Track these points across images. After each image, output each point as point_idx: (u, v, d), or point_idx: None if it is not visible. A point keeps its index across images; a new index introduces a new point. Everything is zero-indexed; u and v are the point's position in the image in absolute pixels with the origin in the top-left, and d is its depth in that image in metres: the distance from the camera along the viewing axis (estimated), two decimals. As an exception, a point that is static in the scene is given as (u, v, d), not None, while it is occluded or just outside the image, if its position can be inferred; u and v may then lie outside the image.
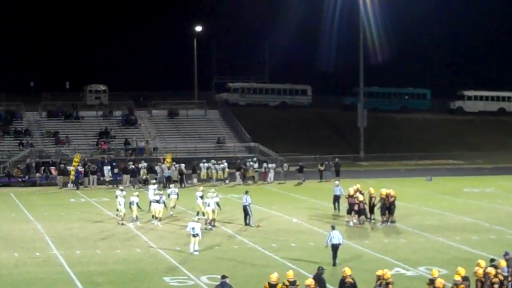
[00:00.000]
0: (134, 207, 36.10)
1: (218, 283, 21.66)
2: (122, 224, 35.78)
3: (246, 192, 36.56)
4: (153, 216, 36.29)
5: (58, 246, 31.34)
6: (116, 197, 36.48)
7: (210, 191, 36.53)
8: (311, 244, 31.81)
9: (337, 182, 40.92)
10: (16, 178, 53.87)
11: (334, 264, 27.01)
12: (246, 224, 35.66)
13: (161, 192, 37.93)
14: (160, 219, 35.90)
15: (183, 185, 50.81)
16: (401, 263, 27.73)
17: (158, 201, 36.04)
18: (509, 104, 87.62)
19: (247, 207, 35.72)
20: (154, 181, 45.07)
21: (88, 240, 32.56)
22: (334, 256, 27.35)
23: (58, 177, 51.91)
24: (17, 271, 27.23)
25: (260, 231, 34.71)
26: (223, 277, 21.30)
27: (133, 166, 52.52)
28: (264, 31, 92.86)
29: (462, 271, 21.15)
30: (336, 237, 27.33)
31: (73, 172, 50.95)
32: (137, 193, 37.30)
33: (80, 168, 52.53)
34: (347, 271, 21.33)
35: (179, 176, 52.16)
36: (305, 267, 26.77)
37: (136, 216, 36.20)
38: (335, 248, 27.37)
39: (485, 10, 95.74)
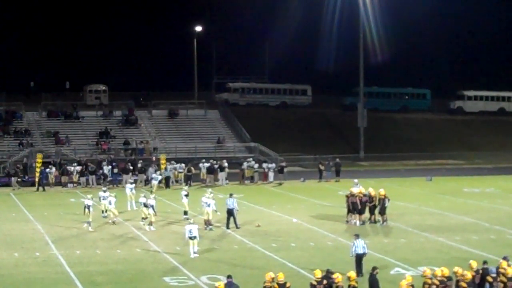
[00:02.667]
0: (90, 210, 34.85)
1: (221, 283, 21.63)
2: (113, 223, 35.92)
3: (231, 195, 35.65)
4: (142, 219, 35.79)
5: (58, 246, 31.35)
6: (99, 198, 37.47)
7: (208, 191, 36.48)
8: (311, 244, 31.83)
9: (356, 180, 40.85)
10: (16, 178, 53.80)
11: (361, 274, 25.08)
12: (228, 227, 34.65)
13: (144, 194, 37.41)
14: (150, 223, 35.00)
15: (189, 185, 50.76)
16: (401, 263, 27.74)
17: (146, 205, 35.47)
18: (509, 104, 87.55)
19: (233, 210, 34.99)
20: (131, 180, 45.07)
21: (88, 240, 32.56)
22: (359, 266, 25.78)
23: (12, 179, 51.83)
24: (17, 271, 27.25)
25: (260, 231, 34.72)
26: (229, 277, 21.26)
27: (105, 167, 52.80)
28: (264, 31, 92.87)
29: (446, 271, 21.28)
30: (360, 246, 26.00)
31: (37, 174, 50.89)
32: (90, 195, 36.16)
33: (79, 168, 52.58)
34: (352, 275, 21.18)
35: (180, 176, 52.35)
36: (305, 267, 26.78)
37: (89, 221, 34.98)
38: (359, 258, 25.95)
39: (485, 10, 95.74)
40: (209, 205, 34.65)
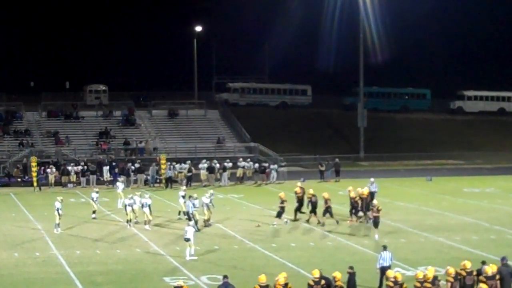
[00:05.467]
0: (59, 213, 34.33)
1: (218, 283, 21.65)
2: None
3: (190, 197, 35.10)
4: (127, 221, 35.48)
5: (58, 246, 31.35)
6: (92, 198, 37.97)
7: (209, 192, 36.54)
8: (311, 244, 31.84)
9: (372, 179, 41.21)
10: (16, 178, 53.92)
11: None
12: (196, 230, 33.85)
13: (137, 194, 37.14)
14: (148, 222, 35.10)
15: (189, 185, 50.92)
16: (401, 263, 27.69)
17: (131, 206, 35.28)
18: (509, 104, 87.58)
19: (190, 214, 34.37)
20: (121, 179, 45.37)
21: (88, 240, 32.57)
22: (382, 278, 24.47)
23: None
24: (17, 271, 27.24)
25: (260, 231, 34.73)
26: (225, 277, 21.27)
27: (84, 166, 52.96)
28: (264, 31, 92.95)
29: (431, 271, 21.38)
30: (387, 258, 24.58)
31: (34, 174, 50.93)
32: (60, 198, 35.39)
33: (77, 168, 52.62)
34: (338, 275, 21.17)
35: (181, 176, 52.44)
36: (305, 267, 26.77)
37: (56, 224, 34.48)
38: (383, 270, 24.03)
39: (485, 10, 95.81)
40: (205, 205, 34.92)
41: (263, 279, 20.58)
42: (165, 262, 28.53)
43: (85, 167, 52.93)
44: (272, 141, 67.50)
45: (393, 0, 74.91)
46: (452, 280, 21.40)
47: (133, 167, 52.51)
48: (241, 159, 55.99)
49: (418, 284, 20.75)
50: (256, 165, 55.48)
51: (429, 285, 20.75)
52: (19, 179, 53.63)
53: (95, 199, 38.04)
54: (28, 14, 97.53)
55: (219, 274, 25.62)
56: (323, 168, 55.74)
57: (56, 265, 28.06)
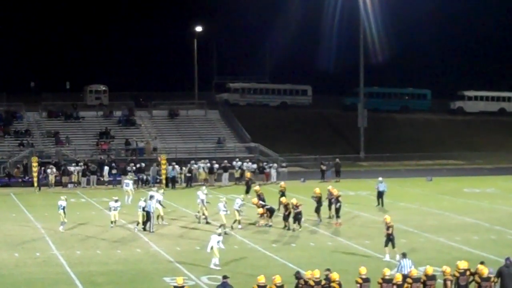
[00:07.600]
0: (64, 211, 34.32)
1: (219, 283, 21.65)
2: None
3: (151, 198, 34.87)
4: (137, 223, 34.93)
5: (58, 246, 31.34)
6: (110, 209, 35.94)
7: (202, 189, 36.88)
8: (311, 244, 31.83)
9: (380, 178, 41.57)
10: (16, 178, 53.93)
11: None
12: (144, 229, 33.97)
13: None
14: (162, 217, 35.65)
15: (189, 185, 50.97)
16: (401, 263, 27.66)
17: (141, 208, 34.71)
18: (509, 104, 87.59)
19: (150, 213, 34.13)
20: (130, 177, 45.51)
21: (89, 240, 32.57)
22: None
23: None
24: (17, 271, 27.24)
25: (260, 231, 34.72)
26: (224, 277, 21.31)
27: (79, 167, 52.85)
28: (264, 31, 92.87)
29: (430, 269, 21.37)
30: (407, 266, 23.46)
31: (35, 174, 50.90)
32: (64, 196, 35.38)
33: (78, 168, 52.63)
34: (335, 275, 21.17)
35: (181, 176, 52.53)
36: (305, 267, 26.74)
37: (63, 222, 34.47)
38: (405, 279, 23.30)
39: (485, 10, 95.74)
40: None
41: (262, 279, 20.59)
42: (165, 262, 28.53)
43: (86, 167, 52.97)
44: (272, 141, 67.51)
45: (393, 0, 74.89)
46: (451, 278, 21.41)
47: (134, 168, 52.46)
48: (237, 159, 55.99)
49: (410, 280, 20.96)
50: (255, 165, 55.53)
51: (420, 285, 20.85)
52: (19, 179, 53.64)
53: (113, 208, 35.54)
54: (28, 14, 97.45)
55: (219, 275, 25.60)
56: (324, 168, 55.77)
57: (57, 265, 28.06)
